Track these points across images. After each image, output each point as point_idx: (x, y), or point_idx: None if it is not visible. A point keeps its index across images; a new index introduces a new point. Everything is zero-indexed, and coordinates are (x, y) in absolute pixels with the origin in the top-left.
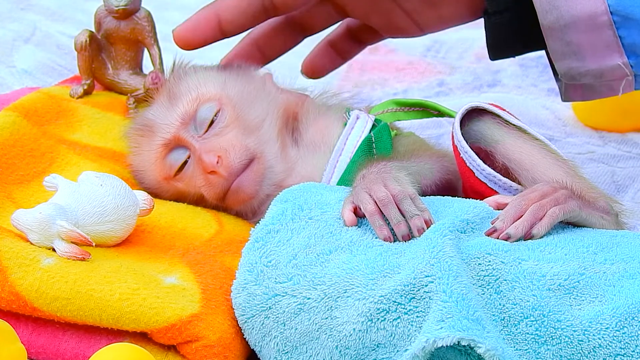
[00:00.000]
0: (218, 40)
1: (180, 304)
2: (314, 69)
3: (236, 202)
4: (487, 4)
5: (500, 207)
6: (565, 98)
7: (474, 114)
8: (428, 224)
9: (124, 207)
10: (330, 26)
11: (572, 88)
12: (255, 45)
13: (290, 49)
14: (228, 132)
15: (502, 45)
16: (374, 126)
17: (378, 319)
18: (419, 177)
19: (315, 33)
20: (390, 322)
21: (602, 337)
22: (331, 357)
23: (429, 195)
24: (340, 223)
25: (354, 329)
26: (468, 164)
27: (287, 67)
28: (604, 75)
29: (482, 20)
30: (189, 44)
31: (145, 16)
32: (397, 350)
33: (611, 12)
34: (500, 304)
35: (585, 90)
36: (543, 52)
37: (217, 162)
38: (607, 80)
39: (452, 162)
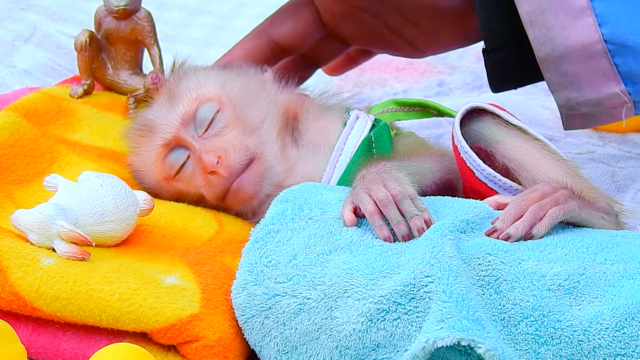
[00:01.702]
0: None
1: (180, 304)
2: (330, 68)
3: (236, 202)
4: (485, 42)
5: (500, 207)
6: (566, 126)
7: (474, 114)
8: (428, 224)
9: (124, 207)
10: (339, 55)
11: (572, 116)
12: None
13: (305, 80)
14: (228, 132)
15: (503, 79)
16: (373, 126)
17: (378, 319)
18: (419, 177)
19: (327, 63)
20: (390, 322)
21: (602, 337)
22: (331, 357)
23: (429, 195)
24: (340, 223)
25: (354, 329)
26: (468, 164)
27: None
28: (602, 104)
29: None
30: None
31: (145, 16)
32: (397, 351)
33: (605, 41)
34: (500, 304)
35: (585, 118)
36: None
37: (217, 162)
38: (605, 108)
39: (452, 162)
